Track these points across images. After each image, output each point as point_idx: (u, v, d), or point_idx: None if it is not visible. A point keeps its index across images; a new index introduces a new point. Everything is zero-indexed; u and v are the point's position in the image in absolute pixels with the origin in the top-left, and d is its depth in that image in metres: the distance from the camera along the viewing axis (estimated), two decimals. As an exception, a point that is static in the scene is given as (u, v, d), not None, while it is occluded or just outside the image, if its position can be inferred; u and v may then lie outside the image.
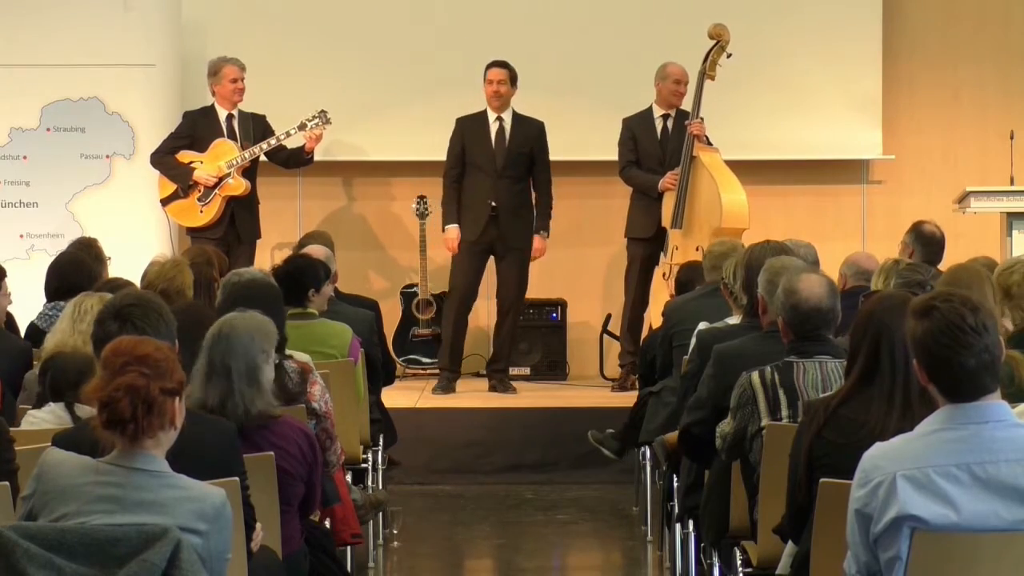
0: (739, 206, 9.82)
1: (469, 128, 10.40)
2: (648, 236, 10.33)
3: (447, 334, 10.52)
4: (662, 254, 10.24)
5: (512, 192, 10.33)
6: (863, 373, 4.22)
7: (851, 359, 4.29)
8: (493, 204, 10.26)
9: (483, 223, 10.30)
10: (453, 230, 10.36)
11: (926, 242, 8.19)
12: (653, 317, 9.95)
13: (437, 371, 11.05)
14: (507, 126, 10.37)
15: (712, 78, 10.13)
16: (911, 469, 3.58)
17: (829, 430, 4.22)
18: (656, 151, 10.34)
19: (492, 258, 10.45)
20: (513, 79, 10.37)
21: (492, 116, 10.38)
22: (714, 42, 10.19)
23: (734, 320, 6.41)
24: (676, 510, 6.70)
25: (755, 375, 5.04)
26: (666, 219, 10.14)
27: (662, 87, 10.38)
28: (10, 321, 7.07)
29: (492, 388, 10.45)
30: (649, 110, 10.43)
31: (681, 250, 9.89)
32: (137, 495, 3.74)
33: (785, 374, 5.02)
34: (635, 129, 10.39)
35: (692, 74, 10.27)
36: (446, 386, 10.37)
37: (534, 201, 10.42)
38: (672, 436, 6.80)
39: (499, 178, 10.30)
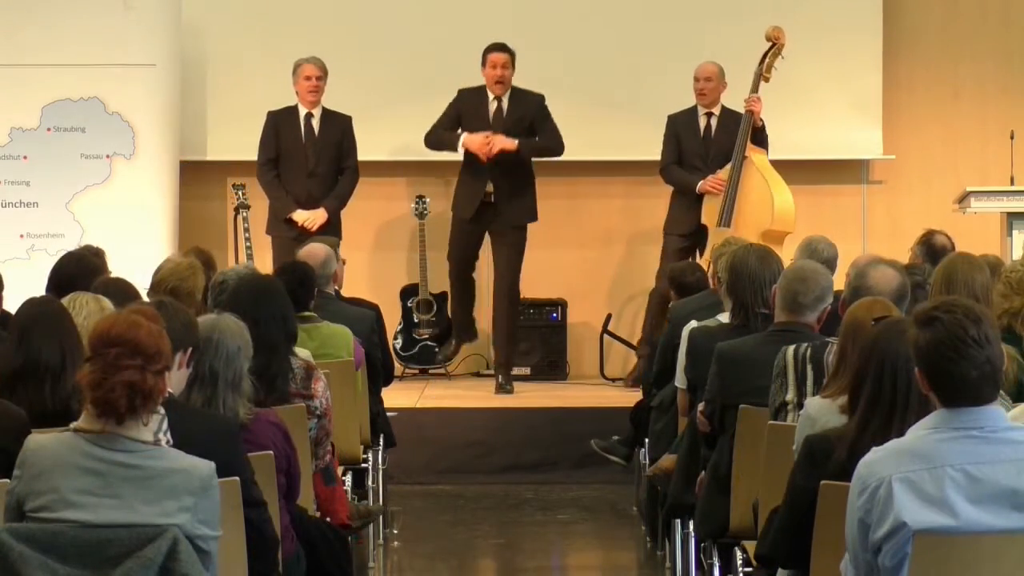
0: (789, 209, 9.98)
1: (468, 100, 10.38)
2: (685, 232, 10.31)
3: (453, 305, 10.72)
4: (697, 252, 10.23)
5: (510, 173, 10.31)
6: (870, 402, 4.17)
7: (855, 388, 4.22)
8: (489, 189, 10.28)
9: (476, 205, 10.31)
10: (466, 137, 10.24)
11: (937, 256, 7.92)
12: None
13: (436, 371, 11.12)
14: (505, 104, 10.37)
15: (767, 80, 10.17)
16: (906, 472, 3.58)
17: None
18: (699, 148, 10.36)
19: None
20: (514, 62, 10.36)
21: (491, 96, 10.39)
22: (771, 44, 10.22)
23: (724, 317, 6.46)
24: (669, 504, 6.71)
25: (791, 349, 5.23)
26: (710, 218, 10.13)
27: (693, 87, 10.42)
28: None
29: (496, 388, 10.47)
30: (694, 108, 10.45)
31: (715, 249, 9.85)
32: (122, 471, 3.74)
33: (819, 350, 5.17)
34: (678, 126, 10.41)
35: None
36: (449, 353, 10.62)
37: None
38: (665, 462, 6.87)
39: (495, 163, 10.29)
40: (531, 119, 10.37)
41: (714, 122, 10.39)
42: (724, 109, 10.38)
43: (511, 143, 10.17)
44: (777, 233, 9.91)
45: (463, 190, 10.44)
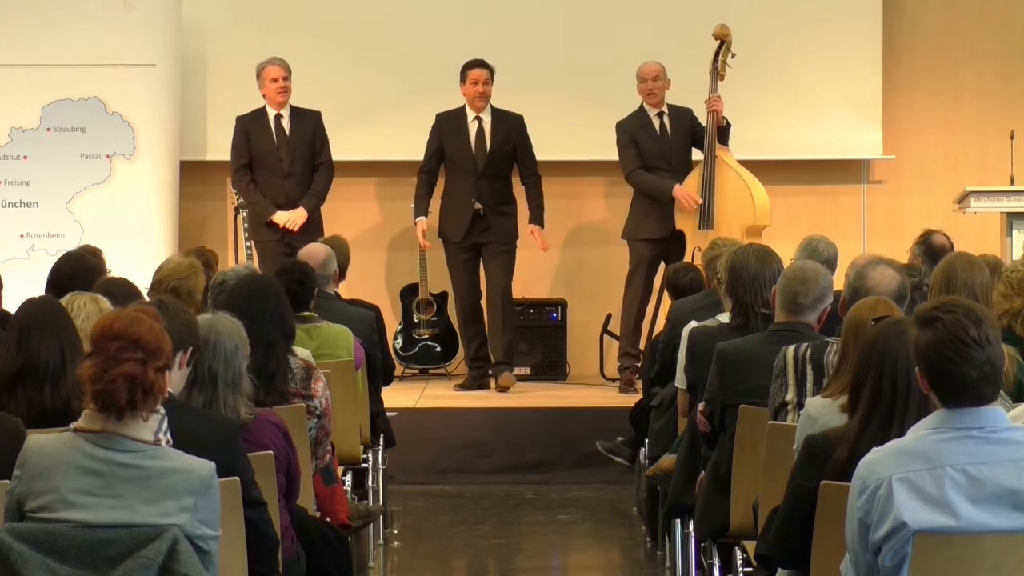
0: (767, 202, 10.08)
1: (447, 126, 10.42)
2: (659, 237, 10.28)
3: (463, 338, 10.69)
4: (669, 257, 10.17)
5: (494, 190, 10.36)
6: (870, 401, 4.15)
7: (855, 388, 4.21)
8: (477, 206, 10.29)
9: (467, 223, 10.32)
10: (422, 222, 10.43)
11: (935, 256, 7.92)
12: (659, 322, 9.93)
13: (436, 371, 11.13)
14: (487, 125, 10.37)
15: (723, 78, 10.18)
16: (906, 472, 3.58)
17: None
18: (660, 150, 10.32)
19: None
20: (493, 76, 10.40)
21: (471, 115, 10.40)
22: (719, 42, 10.23)
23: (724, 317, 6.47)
24: (669, 504, 6.72)
25: (791, 349, 5.24)
26: (684, 222, 10.10)
27: (638, 88, 10.40)
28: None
29: (496, 388, 10.46)
30: (642, 110, 10.41)
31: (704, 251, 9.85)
32: (122, 471, 3.73)
33: (819, 350, 5.18)
34: (634, 131, 10.34)
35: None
36: (469, 384, 10.51)
37: (526, 195, 10.45)
38: (665, 462, 6.88)
39: (480, 178, 10.33)
40: (513, 142, 10.41)
41: (667, 121, 10.37)
42: (671, 107, 10.38)
43: (543, 235, 10.39)
44: (758, 228, 9.97)
45: (450, 212, 10.44)
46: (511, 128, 10.41)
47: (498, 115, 10.44)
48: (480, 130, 10.39)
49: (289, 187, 10.35)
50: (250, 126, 10.39)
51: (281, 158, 10.36)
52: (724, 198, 10.07)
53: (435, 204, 10.60)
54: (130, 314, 3.86)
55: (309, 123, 10.43)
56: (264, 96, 10.38)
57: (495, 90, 10.46)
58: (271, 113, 10.39)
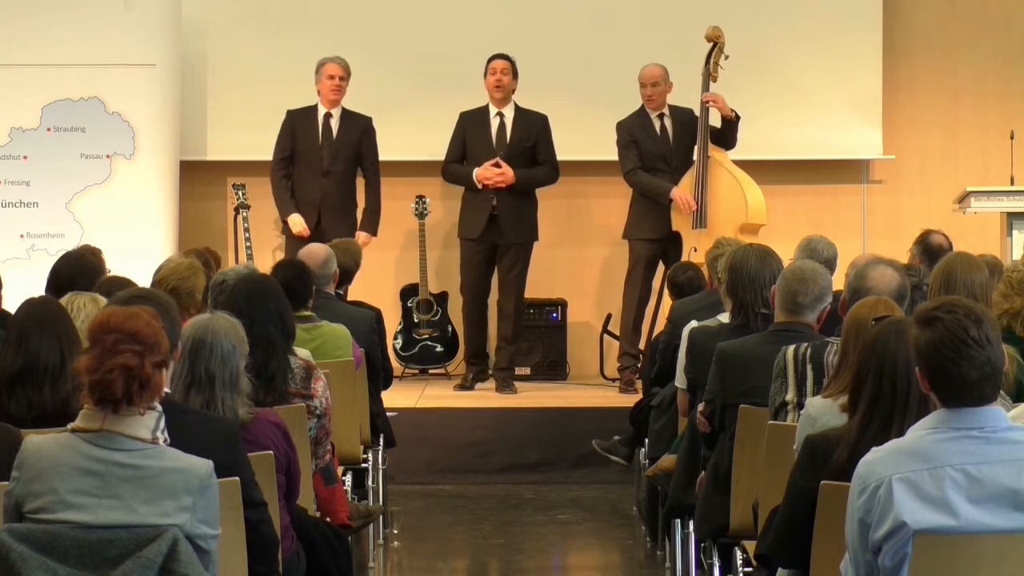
0: (761, 201, 10.08)
1: (470, 123, 10.45)
2: (658, 237, 10.30)
3: (465, 334, 10.65)
4: (667, 257, 10.18)
5: (512, 192, 10.33)
6: (870, 402, 4.15)
7: (855, 388, 4.20)
8: (494, 202, 10.28)
9: (484, 220, 10.31)
10: (480, 170, 10.27)
11: (934, 255, 7.93)
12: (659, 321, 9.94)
13: (436, 371, 11.13)
14: (508, 121, 10.40)
15: (715, 79, 10.19)
16: (906, 472, 3.58)
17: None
18: (659, 149, 10.33)
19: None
20: (515, 71, 10.41)
21: (493, 111, 10.42)
22: (712, 44, 10.24)
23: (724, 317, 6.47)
24: (669, 504, 6.72)
25: (791, 349, 5.24)
26: (680, 223, 10.12)
27: (640, 92, 10.41)
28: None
29: (496, 388, 10.47)
30: (642, 111, 10.42)
31: (701, 251, 9.85)
32: (120, 471, 3.73)
33: (819, 350, 5.18)
34: (635, 132, 10.35)
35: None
36: (467, 382, 10.49)
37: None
38: (665, 462, 6.88)
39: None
40: (534, 139, 10.42)
41: (668, 123, 10.38)
42: (672, 108, 10.39)
43: (510, 177, 10.23)
44: (753, 226, 10.00)
45: (468, 209, 10.43)
46: (533, 125, 10.43)
47: (521, 112, 10.47)
48: (501, 125, 10.42)
49: (326, 185, 10.37)
50: (297, 121, 10.43)
51: (322, 156, 10.38)
52: (716, 197, 10.08)
53: (454, 202, 10.59)
54: (127, 310, 3.86)
55: (358, 127, 10.46)
56: (318, 92, 10.42)
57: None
58: (321, 111, 10.42)
